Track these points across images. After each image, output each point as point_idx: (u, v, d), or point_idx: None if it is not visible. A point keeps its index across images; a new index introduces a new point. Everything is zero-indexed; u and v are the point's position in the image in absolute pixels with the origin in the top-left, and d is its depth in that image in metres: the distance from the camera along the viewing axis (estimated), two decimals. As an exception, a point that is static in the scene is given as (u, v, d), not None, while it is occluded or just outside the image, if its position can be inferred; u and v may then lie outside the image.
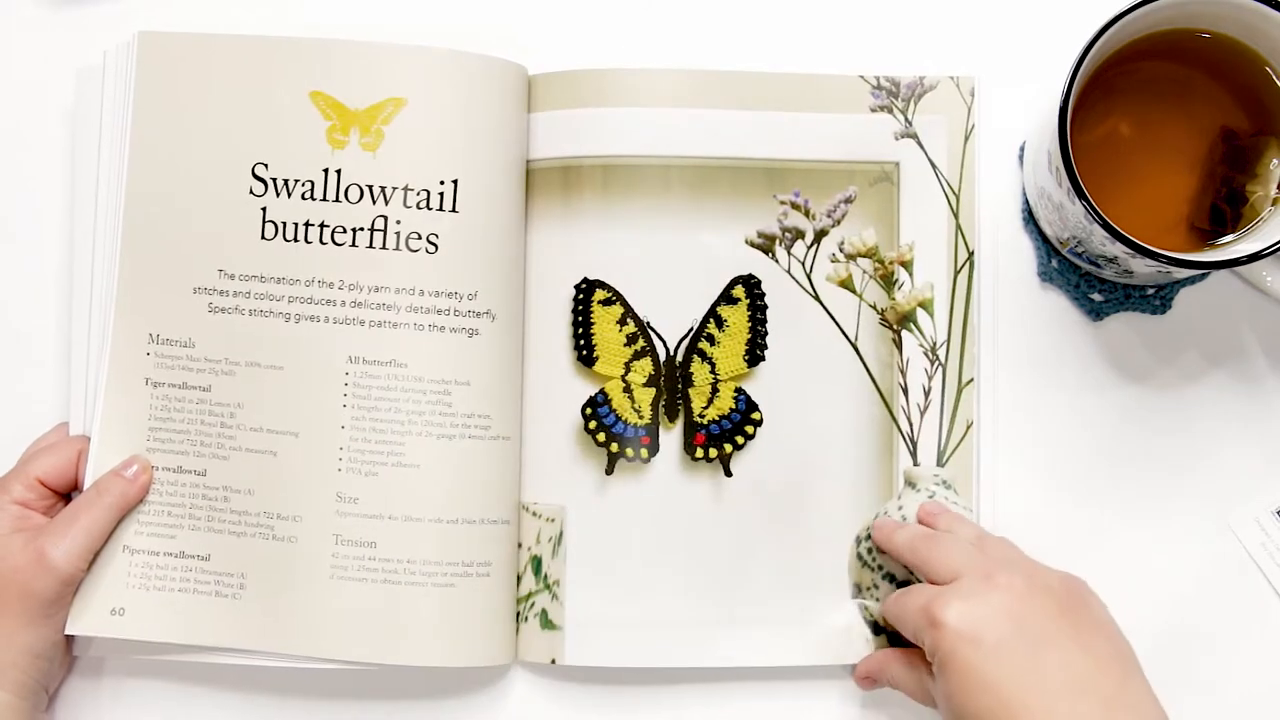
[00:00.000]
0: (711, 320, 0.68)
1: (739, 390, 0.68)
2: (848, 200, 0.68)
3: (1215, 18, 0.62)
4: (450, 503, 0.66)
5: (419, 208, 0.66)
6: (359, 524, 0.65)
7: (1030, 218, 0.69)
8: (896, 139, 0.68)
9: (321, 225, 0.66)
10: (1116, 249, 0.61)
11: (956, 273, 0.68)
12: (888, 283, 0.68)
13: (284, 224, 0.66)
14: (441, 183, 0.66)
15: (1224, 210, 0.64)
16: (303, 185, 0.66)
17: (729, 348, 0.68)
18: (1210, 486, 0.68)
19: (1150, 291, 0.68)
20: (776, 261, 0.68)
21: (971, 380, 0.67)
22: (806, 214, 0.68)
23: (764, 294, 0.68)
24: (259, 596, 0.66)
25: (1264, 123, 0.64)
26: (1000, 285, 0.69)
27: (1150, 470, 0.69)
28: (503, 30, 0.70)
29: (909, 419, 0.68)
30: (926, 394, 0.67)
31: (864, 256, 0.68)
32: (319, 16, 0.71)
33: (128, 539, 0.66)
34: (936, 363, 0.68)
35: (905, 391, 0.68)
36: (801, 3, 0.71)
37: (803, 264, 0.68)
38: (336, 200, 0.66)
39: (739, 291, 0.68)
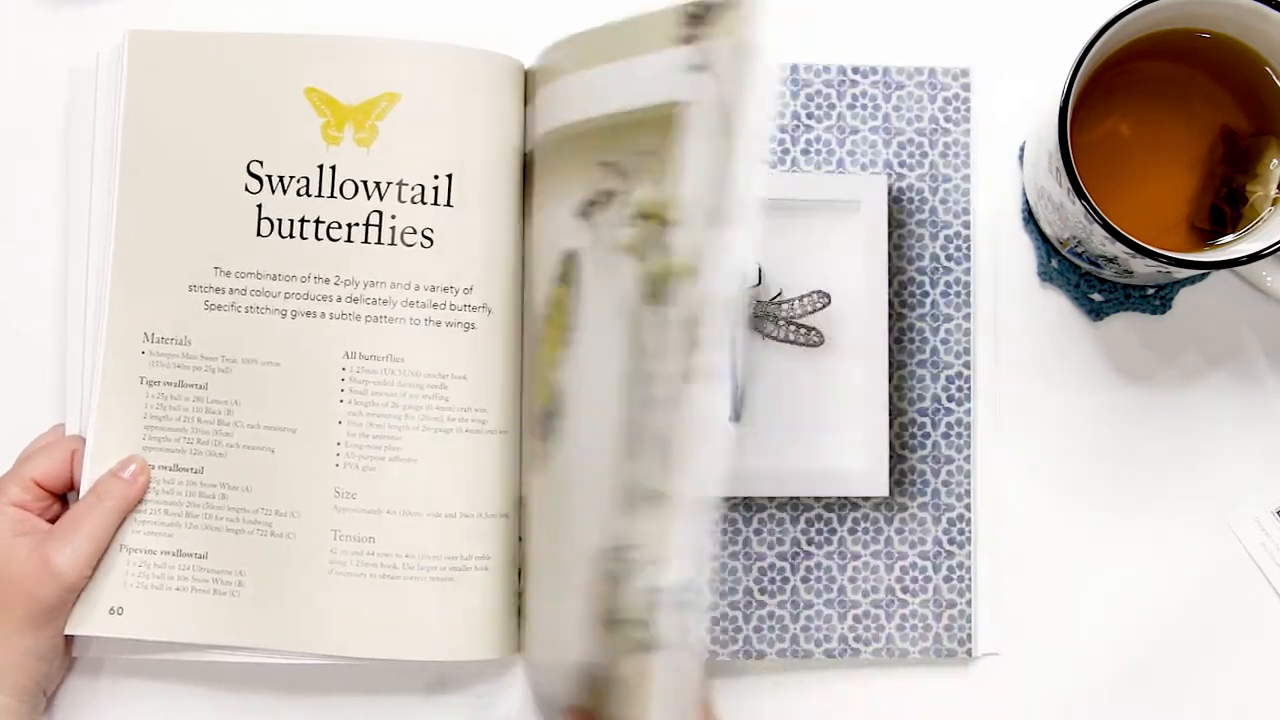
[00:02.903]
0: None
1: None
2: (647, 153, 0.58)
3: (1215, 18, 0.62)
4: (448, 497, 0.66)
5: (414, 202, 0.66)
6: (357, 519, 0.66)
7: (1030, 218, 0.69)
8: (688, 72, 0.56)
9: (317, 221, 0.66)
10: (1116, 249, 0.60)
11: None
12: (659, 243, 0.57)
13: (279, 220, 0.66)
14: (436, 177, 0.66)
15: (1224, 210, 0.64)
16: (298, 181, 0.66)
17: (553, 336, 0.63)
18: (1210, 486, 0.68)
19: (1150, 291, 0.68)
20: (597, 231, 0.61)
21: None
22: (619, 173, 0.60)
23: (582, 269, 0.61)
24: (258, 593, 0.66)
25: (1264, 123, 0.63)
26: (1000, 285, 0.69)
27: (1150, 470, 0.68)
28: (500, 29, 0.70)
29: None
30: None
31: (649, 217, 0.58)
32: (312, 14, 0.71)
33: (125, 538, 0.66)
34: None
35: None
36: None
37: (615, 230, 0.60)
38: (331, 196, 0.66)
39: (563, 269, 0.63)
